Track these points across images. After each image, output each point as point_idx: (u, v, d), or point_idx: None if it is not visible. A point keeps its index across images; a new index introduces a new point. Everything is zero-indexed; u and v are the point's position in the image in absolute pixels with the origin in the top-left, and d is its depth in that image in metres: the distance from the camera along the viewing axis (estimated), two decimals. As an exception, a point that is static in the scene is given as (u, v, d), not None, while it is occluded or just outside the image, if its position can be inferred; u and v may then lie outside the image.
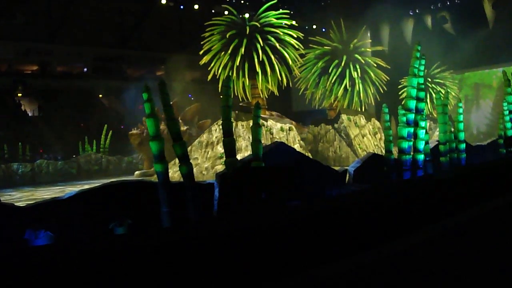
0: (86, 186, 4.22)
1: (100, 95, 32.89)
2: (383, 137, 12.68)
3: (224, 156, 4.41)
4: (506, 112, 9.88)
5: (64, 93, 29.76)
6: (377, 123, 19.94)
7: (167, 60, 29.32)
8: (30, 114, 29.59)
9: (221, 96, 5.04)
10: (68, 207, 4.61)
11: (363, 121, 19.41)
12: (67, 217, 4.63)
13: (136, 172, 18.52)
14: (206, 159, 14.68)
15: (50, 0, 27.39)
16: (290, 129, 16.13)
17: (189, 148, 15.32)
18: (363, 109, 20.01)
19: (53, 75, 31.23)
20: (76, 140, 22.00)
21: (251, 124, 4.77)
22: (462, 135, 8.58)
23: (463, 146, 8.54)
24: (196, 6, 26.43)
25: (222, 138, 4.86)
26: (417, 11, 28.15)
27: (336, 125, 18.26)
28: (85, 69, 33.04)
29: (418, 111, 7.27)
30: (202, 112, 20.19)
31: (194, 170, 14.90)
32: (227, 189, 4.67)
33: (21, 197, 13.76)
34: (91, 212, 4.77)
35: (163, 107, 4.92)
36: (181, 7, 26.88)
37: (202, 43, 17.23)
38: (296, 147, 15.40)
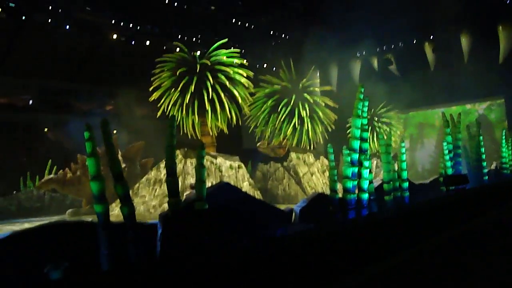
0: (26, 225, 4.03)
1: (46, 129, 31.90)
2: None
3: (168, 196, 4.34)
4: (446, 152, 10.31)
5: (7, 126, 28.68)
6: (326, 161, 20.25)
7: (117, 95, 28.96)
8: (-31, 148, 28.25)
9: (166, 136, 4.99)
10: (1, 250, 4.40)
11: (311, 159, 19.70)
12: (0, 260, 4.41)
13: (68, 211, 17.04)
14: (154, 197, 14.41)
15: (-5, 30, 26.66)
16: (239, 166, 16.14)
17: (136, 185, 15.01)
18: (311, 148, 20.33)
19: (-4, 107, 30.07)
20: (18, 176, 21.07)
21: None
22: (405, 174, 8.83)
23: (406, 184, 8.78)
24: (147, 42, 26.44)
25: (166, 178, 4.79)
26: (364, 53, 29.21)
27: (285, 163, 18.43)
28: (31, 102, 32.04)
29: (362, 151, 7.45)
30: (151, 149, 19.82)
31: (142, 207, 14.53)
32: (170, 231, 4.58)
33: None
34: (26, 255, 4.55)
35: (105, 147, 4.81)
36: (132, 42, 26.79)
37: (152, 79, 17.14)
38: (245, 185, 15.39)
